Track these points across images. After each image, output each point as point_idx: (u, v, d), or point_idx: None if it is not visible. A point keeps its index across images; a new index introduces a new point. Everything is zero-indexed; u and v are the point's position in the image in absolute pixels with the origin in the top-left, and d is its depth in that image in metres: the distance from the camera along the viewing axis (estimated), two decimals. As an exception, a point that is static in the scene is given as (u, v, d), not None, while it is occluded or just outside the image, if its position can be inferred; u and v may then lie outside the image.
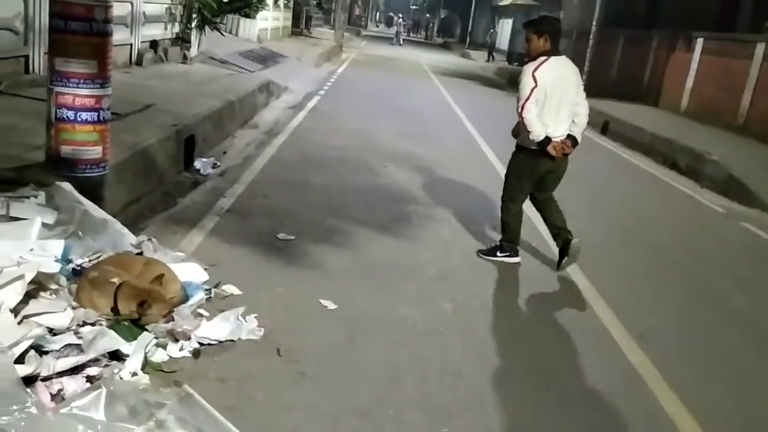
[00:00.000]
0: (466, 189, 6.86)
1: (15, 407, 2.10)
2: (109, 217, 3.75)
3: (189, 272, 3.62)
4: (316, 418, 2.70)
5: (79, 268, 3.30)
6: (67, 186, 3.64)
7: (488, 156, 8.61)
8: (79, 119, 3.95)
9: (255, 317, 3.33)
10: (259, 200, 5.39)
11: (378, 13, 79.84)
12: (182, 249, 4.07)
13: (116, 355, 2.80)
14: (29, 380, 2.45)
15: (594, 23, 16.05)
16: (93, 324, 2.90)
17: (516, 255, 4.77)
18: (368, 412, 2.79)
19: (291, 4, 24.90)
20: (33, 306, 2.69)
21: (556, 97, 4.31)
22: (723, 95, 12.97)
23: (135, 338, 2.92)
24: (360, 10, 53.83)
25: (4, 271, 2.59)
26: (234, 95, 8.34)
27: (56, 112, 3.94)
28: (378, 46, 35.36)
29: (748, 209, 7.66)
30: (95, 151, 4.06)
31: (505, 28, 34.58)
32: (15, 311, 2.62)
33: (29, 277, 2.63)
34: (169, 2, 10.46)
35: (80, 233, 3.48)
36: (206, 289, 3.55)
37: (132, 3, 9.00)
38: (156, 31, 10.02)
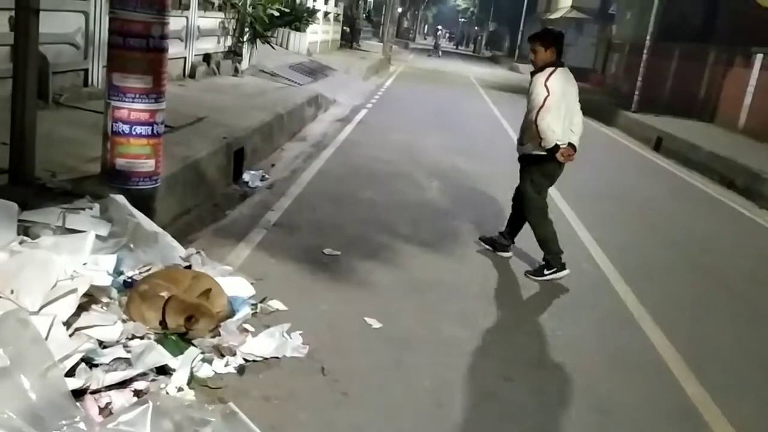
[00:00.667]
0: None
1: (64, 422, 2.13)
2: (159, 230, 3.80)
3: (236, 286, 3.64)
4: (360, 441, 2.66)
5: (130, 280, 3.35)
6: (120, 198, 3.71)
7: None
8: (134, 133, 4.04)
9: (300, 334, 3.32)
10: (306, 214, 5.41)
11: (426, 26, 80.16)
12: (230, 262, 4.10)
13: (163, 370, 2.82)
14: (79, 393, 2.49)
15: (648, 37, 15.68)
16: (141, 337, 2.94)
17: (563, 268, 4.67)
18: (413, 437, 2.74)
19: (340, 17, 25.19)
20: (85, 319, 2.73)
21: (563, 106, 4.49)
22: (784, 112, 12.48)
23: (182, 353, 2.94)
24: (408, 23, 54.10)
25: (59, 284, 2.64)
26: (283, 108, 8.44)
27: (112, 125, 4.04)
28: (426, 58, 35.42)
29: (811, 233, 7.32)
30: (148, 164, 4.14)
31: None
32: (67, 324, 2.67)
33: (82, 290, 2.68)
34: (223, 17, 10.70)
35: (132, 246, 3.54)
36: (252, 304, 3.56)
37: (187, 18, 9.23)
38: (209, 45, 10.25)
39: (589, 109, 20.06)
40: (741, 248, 6.68)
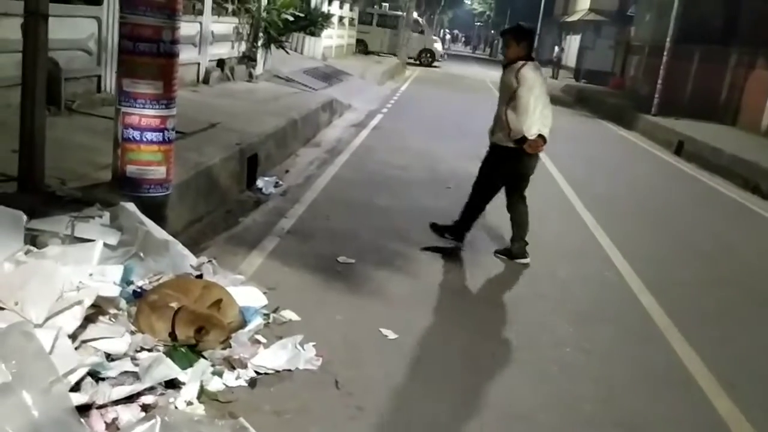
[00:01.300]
0: (532, 211, 6.54)
1: (67, 440, 2.04)
2: (170, 238, 3.73)
3: (248, 296, 3.55)
4: (375, 459, 2.55)
5: (139, 290, 3.28)
6: (130, 206, 3.64)
7: (555, 177, 8.33)
8: (145, 139, 3.97)
9: (313, 346, 3.23)
10: (320, 221, 5.32)
11: (442, 30, 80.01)
12: (242, 271, 4.02)
13: (172, 383, 2.73)
14: (84, 408, 2.41)
15: (668, 39, 15.45)
16: (150, 350, 2.86)
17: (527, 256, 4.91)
18: (430, 455, 2.63)
19: (355, 22, 25.17)
20: (91, 331, 2.66)
21: (532, 98, 4.60)
22: (809, 115, 12.21)
23: (191, 365, 2.86)
24: (424, 27, 54.05)
25: (65, 295, 2.57)
26: (297, 113, 8.37)
27: (123, 132, 3.98)
28: (441, 62, 35.27)
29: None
30: (159, 171, 4.07)
31: (572, 44, 33.82)
32: (73, 336, 2.60)
33: (88, 302, 2.61)
34: (237, 22, 10.67)
35: (142, 255, 3.47)
36: (264, 314, 3.47)
37: (201, 23, 9.21)
38: (223, 50, 10.23)
39: (608, 112, 19.93)
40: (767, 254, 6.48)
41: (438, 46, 31.79)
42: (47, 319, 2.52)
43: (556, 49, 32.16)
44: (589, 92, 21.64)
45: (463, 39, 71.85)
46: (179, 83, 4.06)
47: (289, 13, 11.66)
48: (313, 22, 13.62)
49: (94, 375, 2.54)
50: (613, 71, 26.71)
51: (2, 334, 2.22)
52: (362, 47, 25.94)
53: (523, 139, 4.60)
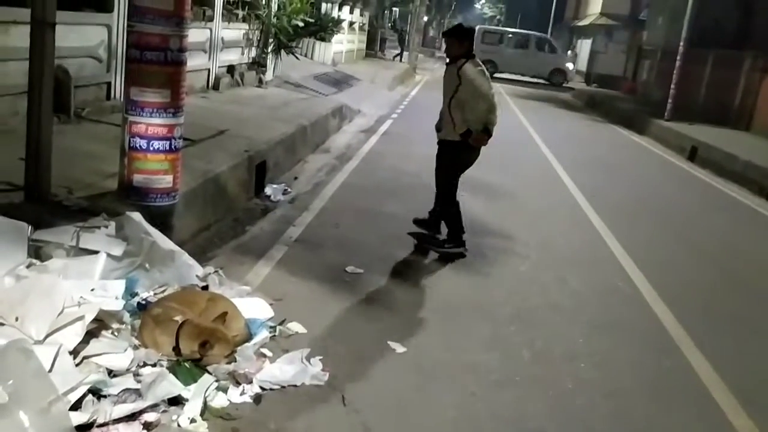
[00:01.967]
0: (543, 220, 6.53)
1: (64, 463, 1.99)
2: (176, 248, 3.68)
3: (254, 308, 3.50)
4: (381, 481, 2.48)
5: (144, 302, 3.23)
6: (136, 216, 3.59)
7: (567, 184, 8.22)
8: (152, 148, 3.93)
9: (320, 360, 3.17)
10: (328, 229, 5.26)
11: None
12: (248, 281, 3.97)
13: (176, 399, 2.68)
14: (85, 427, 2.36)
15: (681, 43, 15.28)
16: (153, 365, 2.81)
17: (462, 246, 5.05)
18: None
19: (366, 27, 25.15)
20: (93, 346, 2.61)
21: (475, 94, 4.78)
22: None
23: (195, 381, 2.80)
24: (434, 32, 53.92)
25: (66, 311, 2.52)
26: (307, 120, 8.32)
27: (130, 140, 3.95)
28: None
29: None
30: (166, 180, 4.03)
31: (583, 48, 33.59)
32: (75, 352, 2.55)
33: (89, 318, 2.55)
34: (247, 28, 10.66)
35: (147, 266, 3.42)
36: (271, 327, 3.41)
37: (211, 29, 9.19)
38: (233, 56, 10.21)
39: (619, 117, 19.75)
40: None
41: (570, 66, 28.83)
42: (48, 335, 2.47)
43: (569, 53, 31.90)
44: (601, 96, 21.48)
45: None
46: (188, 90, 4.03)
47: (299, 19, 11.62)
48: (323, 28, 13.58)
49: (96, 392, 2.49)
50: (624, 75, 26.50)
51: None
52: (491, 68, 24.88)
53: (468, 132, 4.82)
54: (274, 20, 11.17)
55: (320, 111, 9.39)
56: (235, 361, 3.01)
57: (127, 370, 2.68)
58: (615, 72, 27.30)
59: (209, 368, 2.91)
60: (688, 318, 4.36)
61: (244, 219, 5.24)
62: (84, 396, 2.41)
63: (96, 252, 3.23)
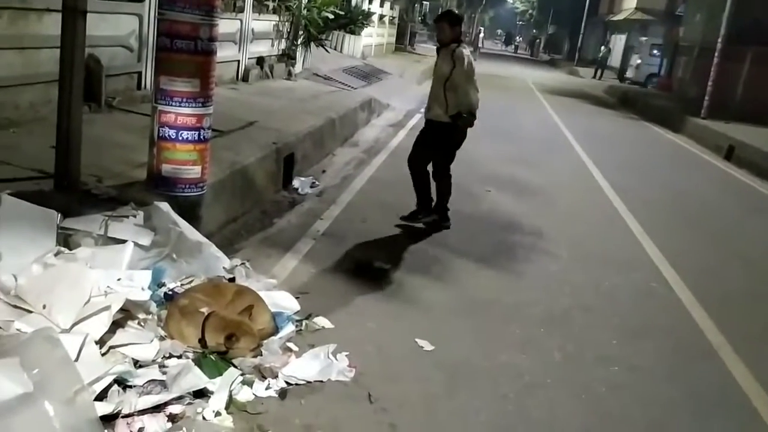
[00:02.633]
0: (575, 219, 6.38)
1: (88, 454, 1.96)
2: (204, 240, 3.65)
3: (280, 301, 3.46)
4: (408, 483, 2.42)
5: (171, 293, 3.21)
6: (164, 206, 3.57)
7: (599, 182, 8.04)
8: (180, 138, 3.91)
9: (346, 356, 3.11)
10: (355, 224, 5.20)
11: (483, 29, 79.23)
12: (275, 274, 3.93)
13: (201, 392, 2.65)
14: (110, 417, 2.33)
15: (719, 40, 14.88)
16: (179, 356, 2.78)
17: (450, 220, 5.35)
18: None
19: (396, 20, 25.01)
20: (120, 336, 2.59)
21: (469, 77, 5.01)
22: None
23: (221, 373, 2.77)
24: (465, 26, 53.57)
25: (92, 300, 2.49)
26: (335, 113, 8.27)
27: (159, 130, 3.93)
28: (481, 61, 34.87)
29: None
30: (194, 171, 4.00)
31: (618, 43, 32.93)
32: (101, 341, 2.52)
33: (116, 307, 2.53)
34: (277, 20, 10.64)
35: (174, 256, 3.39)
36: (297, 321, 3.36)
37: (241, 20, 9.18)
38: (263, 48, 10.20)
39: (654, 114, 19.32)
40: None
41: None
42: (74, 324, 2.45)
43: (603, 48, 31.32)
44: (634, 93, 21.06)
45: (504, 38, 70.64)
46: (218, 81, 3.98)
47: (329, 11, 11.57)
48: (353, 21, 13.51)
49: (121, 383, 2.47)
50: (659, 72, 25.95)
51: (26, 340, 2.15)
52: None
53: (458, 114, 5.01)
54: (304, 12, 11.14)
55: (349, 104, 9.33)
56: (261, 355, 2.97)
57: (153, 361, 2.65)
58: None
59: (235, 361, 2.88)
60: (727, 324, 4.21)
61: (272, 211, 5.21)
62: (109, 386, 2.39)
63: (124, 241, 3.22)
